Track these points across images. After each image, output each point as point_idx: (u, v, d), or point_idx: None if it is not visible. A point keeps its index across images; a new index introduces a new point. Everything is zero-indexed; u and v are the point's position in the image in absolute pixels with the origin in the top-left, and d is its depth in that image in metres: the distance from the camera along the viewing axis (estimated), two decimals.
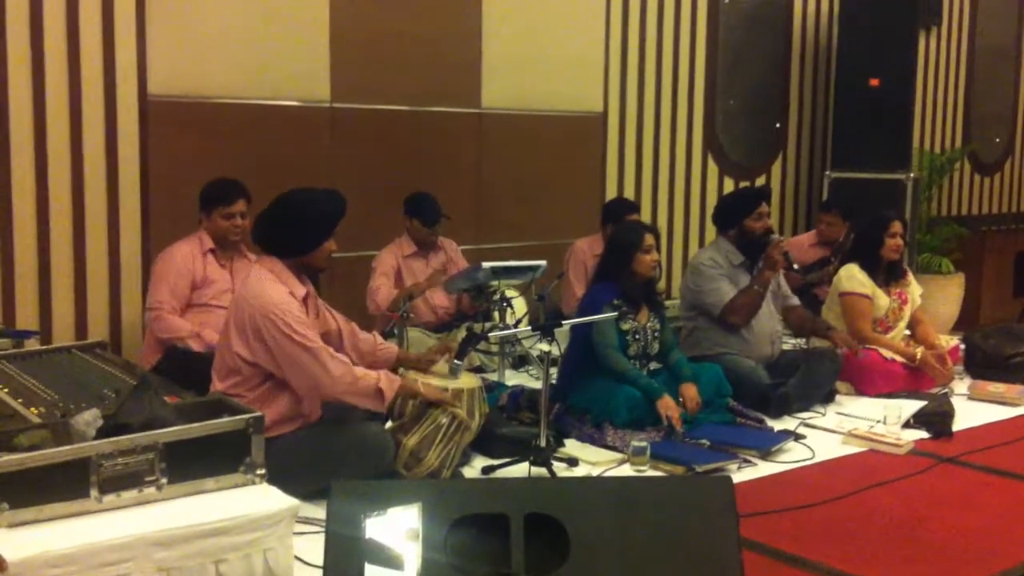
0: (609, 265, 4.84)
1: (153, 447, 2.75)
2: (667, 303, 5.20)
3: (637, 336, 4.74)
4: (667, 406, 4.50)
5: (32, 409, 3.09)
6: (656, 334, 4.84)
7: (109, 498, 2.70)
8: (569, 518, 2.41)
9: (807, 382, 5.14)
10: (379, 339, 4.13)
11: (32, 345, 4.51)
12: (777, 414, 4.94)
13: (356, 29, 5.96)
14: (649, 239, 4.76)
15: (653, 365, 4.83)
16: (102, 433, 2.77)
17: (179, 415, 2.95)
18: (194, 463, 2.83)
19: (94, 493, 2.68)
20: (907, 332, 5.80)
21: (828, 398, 5.25)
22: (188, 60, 5.42)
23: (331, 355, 3.60)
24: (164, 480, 2.77)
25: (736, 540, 2.49)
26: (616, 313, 4.61)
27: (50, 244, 5.10)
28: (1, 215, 4.96)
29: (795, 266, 5.48)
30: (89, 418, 2.83)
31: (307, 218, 3.68)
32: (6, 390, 3.32)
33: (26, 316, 5.03)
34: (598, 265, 5.05)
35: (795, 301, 5.57)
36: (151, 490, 2.76)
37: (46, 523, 2.60)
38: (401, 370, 4.00)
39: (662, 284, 7.41)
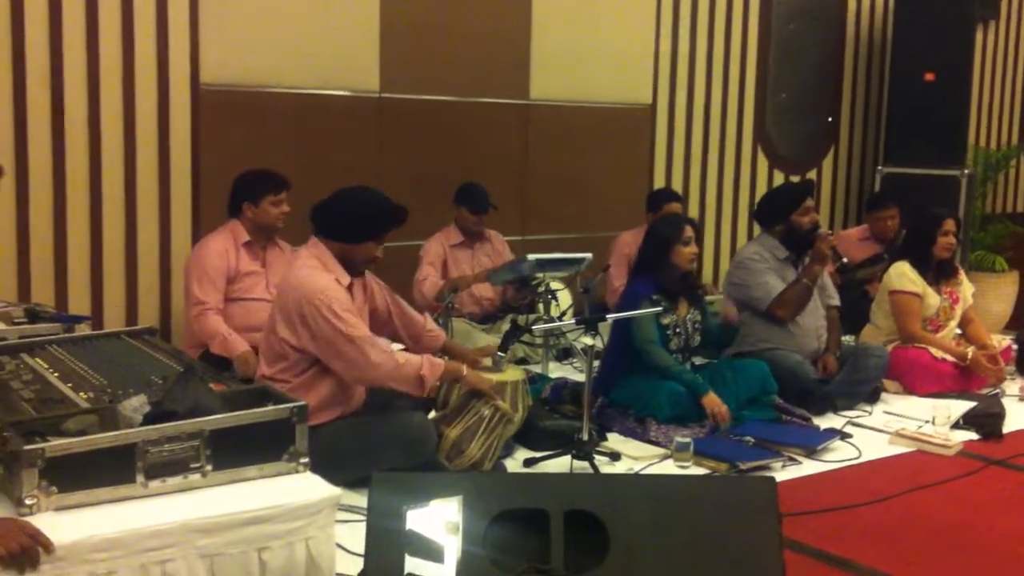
0: (647, 257, 4.78)
1: (198, 434, 2.78)
2: (708, 299, 5.14)
3: (678, 330, 4.70)
4: (713, 403, 4.47)
5: (81, 394, 3.12)
6: (697, 326, 4.79)
7: (154, 484, 2.72)
8: (609, 515, 2.40)
9: (852, 378, 5.09)
10: (430, 323, 4.16)
11: (83, 330, 4.57)
12: (821, 411, 4.89)
13: (406, 20, 5.98)
14: (688, 231, 4.69)
15: (697, 360, 4.79)
16: (149, 419, 2.80)
17: (224, 403, 2.96)
18: (238, 451, 2.84)
19: (140, 478, 2.70)
20: (958, 331, 5.71)
21: (874, 395, 5.19)
22: (240, 49, 5.46)
23: (373, 343, 3.62)
24: (209, 467, 2.79)
25: (778, 540, 2.47)
26: (660, 308, 4.54)
27: (103, 231, 5.17)
28: (55, 203, 5.04)
29: (844, 260, 5.43)
30: (136, 404, 2.86)
31: (365, 208, 3.71)
32: (56, 374, 3.36)
33: (78, 302, 5.11)
34: (636, 257, 5.00)
35: (835, 301, 5.48)
36: (196, 477, 2.78)
37: (92, 507, 2.63)
38: (446, 359, 4.01)
39: (709, 277, 7.39)
